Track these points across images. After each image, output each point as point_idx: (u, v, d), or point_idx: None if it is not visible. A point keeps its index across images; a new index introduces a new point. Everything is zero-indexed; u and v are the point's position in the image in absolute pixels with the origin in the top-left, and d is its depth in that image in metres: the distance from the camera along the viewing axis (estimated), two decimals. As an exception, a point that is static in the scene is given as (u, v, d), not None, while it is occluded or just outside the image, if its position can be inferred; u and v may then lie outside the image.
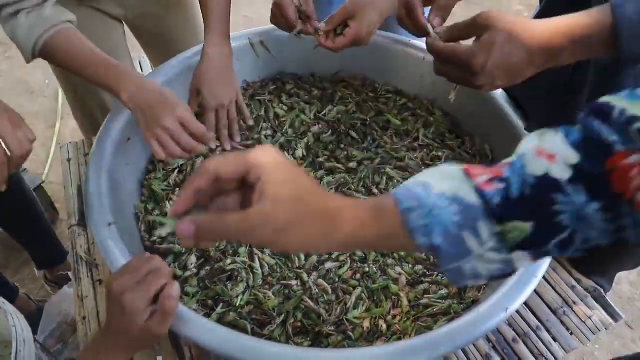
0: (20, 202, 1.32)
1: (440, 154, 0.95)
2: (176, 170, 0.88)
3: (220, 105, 0.90)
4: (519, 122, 0.88)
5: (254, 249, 0.78)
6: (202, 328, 0.57)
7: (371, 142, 0.97)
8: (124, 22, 1.12)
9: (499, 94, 0.93)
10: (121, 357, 0.56)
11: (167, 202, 0.84)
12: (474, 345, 0.79)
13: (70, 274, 1.46)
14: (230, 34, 1.03)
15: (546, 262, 0.65)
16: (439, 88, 1.02)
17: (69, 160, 1.06)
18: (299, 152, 0.92)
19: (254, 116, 1.00)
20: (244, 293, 0.73)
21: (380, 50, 1.04)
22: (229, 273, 0.75)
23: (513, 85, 0.93)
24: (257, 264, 0.76)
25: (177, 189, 0.86)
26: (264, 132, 0.97)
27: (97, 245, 0.67)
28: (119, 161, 0.80)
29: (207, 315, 0.70)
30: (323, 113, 1.01)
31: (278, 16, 0.93)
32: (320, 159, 0.92)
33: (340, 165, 0.92)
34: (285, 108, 1.02)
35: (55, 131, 2.11)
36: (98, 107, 1.16)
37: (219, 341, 0.56)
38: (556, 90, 0.81)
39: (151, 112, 0.75)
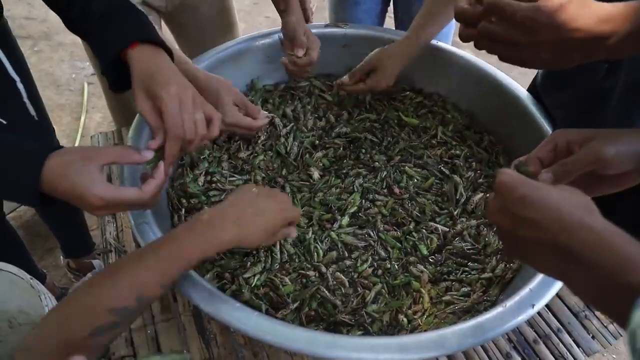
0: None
1: (458, 151, 0.96)
2: (202, 173, 0.90)
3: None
4: (544, 123, 0.88)
5: None
6: (235, 312, 0.59)
7: (390, 139, 0.99)
8: (160, 14, 1.14)
9: (524, 94, 0.93)
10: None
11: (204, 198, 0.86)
12: (494, 344, 0.80)
13: (94, 262, 1.49)
14: (257, 32, 1.06)
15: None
16: (464, 89, 1.03)
17: (99, 149, 1.09)
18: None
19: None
20: (261, 273, 0.75)
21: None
22: (249, 250, 0.77)
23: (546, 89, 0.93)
24: (277, 249, 0.78)
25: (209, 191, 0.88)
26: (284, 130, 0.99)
27: (132, 229, 0.69)
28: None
29: (222, 288, 0.72)
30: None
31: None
32: (345, 170, 0.93)
33: (362, 170, 0.92)
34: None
35: (80, 124, 2.16)
36: (132, 98, 1.19)
37: (253, 326, 0.58)
38: (585, 97, 0.82)
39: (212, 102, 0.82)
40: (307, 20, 1.10)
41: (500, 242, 0.55)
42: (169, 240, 0.59)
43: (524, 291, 0.62)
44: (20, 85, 0.99)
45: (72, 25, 0.74)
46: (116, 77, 0.68)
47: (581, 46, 0.53)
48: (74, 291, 0.56)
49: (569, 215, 0.40)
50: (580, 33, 0.52)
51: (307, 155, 0.94)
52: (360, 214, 0.85)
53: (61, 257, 1.59)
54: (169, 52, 0.68)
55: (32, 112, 1.03)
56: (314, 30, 0.99)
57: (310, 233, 0.81)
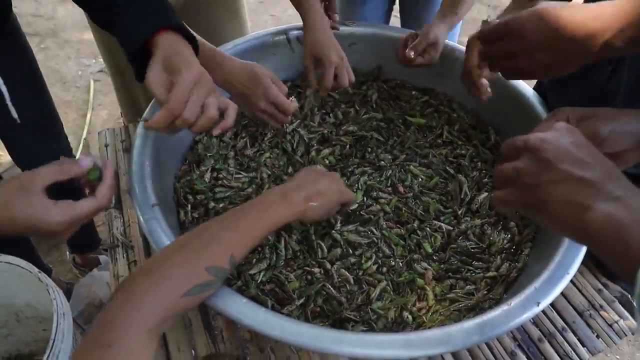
0: (72, 185, 1.36)
1: (464, 151, 0.96)
2: (208, 170, 0.90)
3: (341, 59, 0.94)
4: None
5: (282, 231, 0.80)
6: (242, 308, 0.60)
7: (396, 139, 0.99)
8: None
9: (531, 94, 0.93)
10: None
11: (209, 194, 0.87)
12: (499, 342, 0.80)
13: (100, 257, 1.50)
14: (265, 30, 1.06)
15: (578, 259, 0.65)
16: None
17: (106, 145, 1.10)
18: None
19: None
20: (266, 270, 0.75)
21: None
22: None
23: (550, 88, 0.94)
24: (281, 245, 0.78)
25: (215, 187, 0.88)
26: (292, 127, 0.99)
27: (140, 225, 0.70)
28: (160, 146, 0.83)
29: (228, 284, 0.72)
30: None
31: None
32: (350, 169, 0.93)
33: (368, 169, 0.93)
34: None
35: (86, 121, 2.17)
36: (142, 94, 1.20)
37: (260, 321, 0.58)
38: (589, 97, 0.82)
39: (246, 99, 0.86)
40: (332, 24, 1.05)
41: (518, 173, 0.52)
42: (256, 205, 0.65)
43: (529, 289, 0.62)
44: (3, 88, 1.01)
45: (96, 17, 0.74)
46: (141, 66, 0.67)
47: (575, 44, 0.55)
48: (158, 256, 0.57)
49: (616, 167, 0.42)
50: (570, 30, 0.54)
51: (314, 153, 0.95)
52: (361, 212, 0.85)
53: (67, 252, 1.61)
54: (193, 40, 0.68)
55: (14, 115, 1.05)
56: None
57: (312, 230, 0.81)
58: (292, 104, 0.88)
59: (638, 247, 0.37)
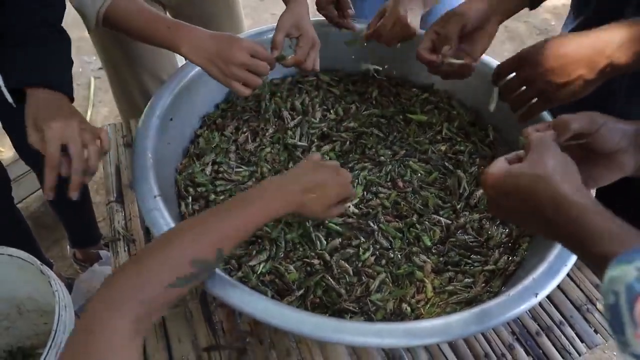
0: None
1: (462, 147, 0.97)
2: (210, 163, 0.91)
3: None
4: (549, 119, 0.89)
5: (282, 225, 0.81)
6: (245, 297, 0.60)
7: (396, 134, 1.00)
8: (165, 7, 1.16)
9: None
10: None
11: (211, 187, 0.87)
12: (497, 335, 0.81)
13: (100, 252, 1.51)
14: (264, 27, 1.08)
15: (576, 253, 0.66)
16: (471, 85, 1.04)
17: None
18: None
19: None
20: (266, 261, 0.76)
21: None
22: (254, 239, 0.79)
23: None
24: (281, 237, 0.79)
25: (216, 180, 0.89)
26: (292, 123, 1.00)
27: (143, 216, 0.71)
28: (161, 139, 0.84)
29: (229, 274, 0.74)
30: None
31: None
32: (350, 164, 0.93)
33: (368, 164, 0.93)
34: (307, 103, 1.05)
35: (87, 117, 2.18)
36: (138, 90, 1.20)
37: (261, 310, 0.59)
38: (590, 98, 0.82)
39: (220, 58, 0.79)
40: (347, 27, 1.06)
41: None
42: (249, 199, 0.63)
43: (527, 280, 0.63)
44: None
45: None
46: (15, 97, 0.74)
47: (581, 61, 0.60)
48: (148, 245, 0.58)
49: (541, 200, 0.46)
50: (574, 49, 0.60)
51: (314, 149, 0.95)
52: (361, 206, 0.86)
53: (67, 247, 1.61)
54: (68, 92, 0.74)
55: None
56: (321, 27, 1.00)
57: (309, 222, 0.82)
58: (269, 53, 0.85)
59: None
